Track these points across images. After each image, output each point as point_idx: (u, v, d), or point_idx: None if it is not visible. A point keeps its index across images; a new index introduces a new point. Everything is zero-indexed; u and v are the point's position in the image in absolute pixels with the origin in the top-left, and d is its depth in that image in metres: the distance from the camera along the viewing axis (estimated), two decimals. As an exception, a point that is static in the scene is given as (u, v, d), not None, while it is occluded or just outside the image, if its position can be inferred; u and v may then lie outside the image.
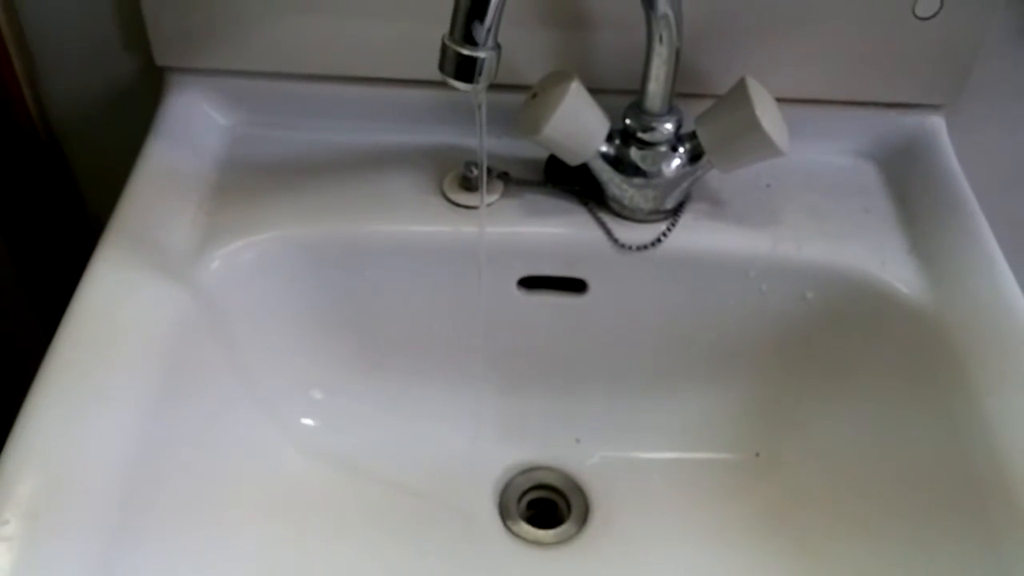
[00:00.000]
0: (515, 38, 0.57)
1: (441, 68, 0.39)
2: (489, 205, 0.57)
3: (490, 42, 0.39)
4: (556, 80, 0.53)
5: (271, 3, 0.56)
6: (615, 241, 0.56)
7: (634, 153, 0.54)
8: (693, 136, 0.55)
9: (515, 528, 0.58)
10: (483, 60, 0.39)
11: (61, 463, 0.42)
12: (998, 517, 0.45)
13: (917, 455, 0.52)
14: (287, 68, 0.59)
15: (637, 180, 0.55)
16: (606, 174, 0.55)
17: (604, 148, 0.54)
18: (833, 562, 0.54)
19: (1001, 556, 0.44)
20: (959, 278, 0.54)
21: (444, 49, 0.39)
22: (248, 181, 0.57)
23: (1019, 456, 0.46)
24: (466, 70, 0.39)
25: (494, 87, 0.57)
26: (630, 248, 0.56)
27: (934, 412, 0.51)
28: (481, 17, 0.38)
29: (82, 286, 0.49)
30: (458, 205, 0.57)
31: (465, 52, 0.39)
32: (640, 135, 0.54)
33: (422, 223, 0.56)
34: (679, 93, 0.54)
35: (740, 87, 0.53)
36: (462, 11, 0.38)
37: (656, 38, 0.50)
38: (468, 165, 0.57)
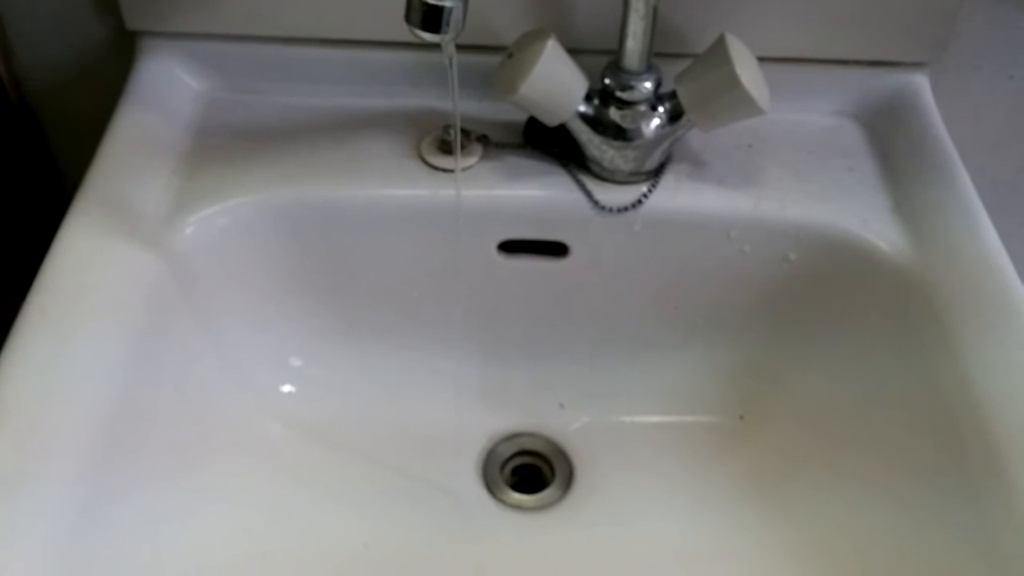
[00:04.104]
0: (491, -3, 0.56)
1: (407, 19, 0.38)
2: (468, 168, 0.56)
3: None
4: (532, 39, 0.52)
5: (243, -36, 0.55)
6: (595, 203, 0.56)
7: (613, 112, 0.54)
8: (673, 95, 0.54)
9: (499, 494, 0.58)
10: (449, 8, 0.38)
11: (31, 428, 0.42)
12: (977, 469, 0.45)
13: (899, 412, 0.52)
14: (261, 31, 0.57)
15: (617, 141, 0.54)
16: (585, 135, 0.55)
17: (583, 108, 0.54)
18: (817, 520, 0.54)
19: (979, 505, 0.45)
20: (942, 236, 0.54)
21: (409, -1, 0.38)
22: (222, 146, 0.56)
23: (997, 409, 0.46)
24: (432, 19, 0.38)
25: (470, 48, 0.56)
26: (610, 210, 0.56)
27: (916, 369, 0.51)
28: (445, -36, 0.37)
29: (52, 253, 0.48)
30: (436, 168, 0.56)
31: (431, 1, 0.38)
32: (619, 94, 0.53)
33: (399, 186, 0.55)
34: (658, 53, 0.53)
35: (719, 44, 0.52)
36: (425, -41, 0.37)
37: (632, -7, 0.49)
38: (446, 128, 0.56)
